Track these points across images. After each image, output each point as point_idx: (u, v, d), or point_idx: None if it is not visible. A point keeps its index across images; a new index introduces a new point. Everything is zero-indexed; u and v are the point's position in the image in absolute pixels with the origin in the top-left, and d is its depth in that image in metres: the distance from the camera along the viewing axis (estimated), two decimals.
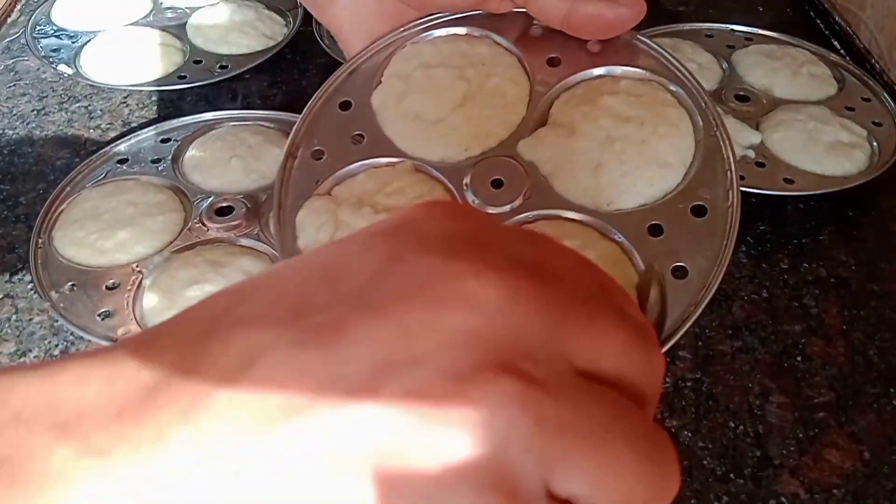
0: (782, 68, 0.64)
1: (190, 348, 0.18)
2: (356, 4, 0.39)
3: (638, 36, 0.38)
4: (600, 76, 0.38)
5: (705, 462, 0.42)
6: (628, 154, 0.36)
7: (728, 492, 0.41)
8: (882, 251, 0.54)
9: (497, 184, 0.35)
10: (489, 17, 0.39)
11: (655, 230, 0.34)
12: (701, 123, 0.37)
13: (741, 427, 0.44)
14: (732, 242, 0.34)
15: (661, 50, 0.38)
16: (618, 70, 0.38)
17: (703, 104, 0.37)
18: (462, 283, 0.18)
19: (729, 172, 0.36)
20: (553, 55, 0.38)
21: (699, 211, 0.34)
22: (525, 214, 0.35)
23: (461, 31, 0.39)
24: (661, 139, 0.37)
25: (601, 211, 0.35)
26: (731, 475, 0.41)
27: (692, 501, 0.40)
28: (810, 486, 0.41)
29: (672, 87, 0.38)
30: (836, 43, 0.72)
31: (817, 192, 0.54)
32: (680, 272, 0.33)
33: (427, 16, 0.39)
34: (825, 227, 0.55)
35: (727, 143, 0.36)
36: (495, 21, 0.39)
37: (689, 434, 0.43)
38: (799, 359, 0.47)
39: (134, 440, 0.17)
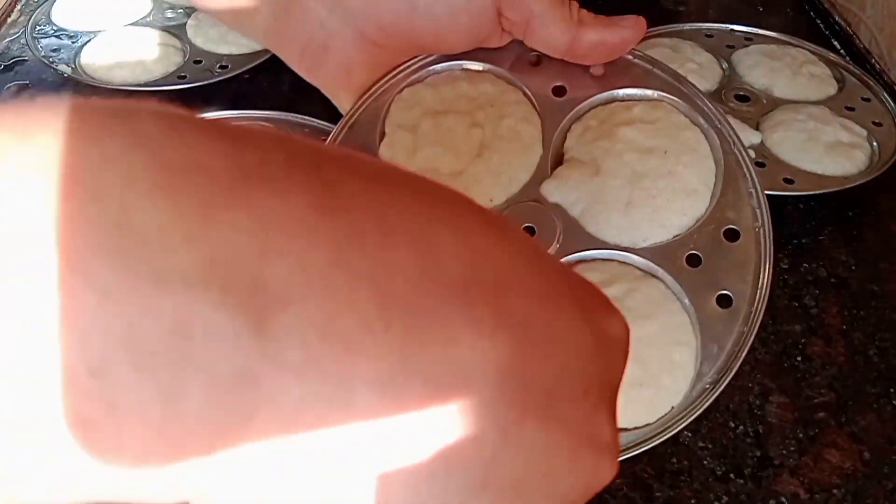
0: (782, 68, 0.64)
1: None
2: (346, 59, 0.37)
3: (637, 52, 0.38)
4: (610, 102, 0.38)
5: (705, 462, 0.42)
6: (658, 188, 0.36)
7: (728, 492, 0.41)
8: (882, 251, 0.54)
9: (528, 231, 0.34)
10: (483, 49, 0.38)
11: (693, 260, 0.34)
12: (717, 141, 0.37)
13: (741, 427, 0.44)
14: (770, 265, 0.34)
15: (663, 66, 0.38)
16: (627, 93, 0.38)
17: (718, 122, 0.37)
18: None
19: (754, 191, 0.36)
20: (558, 84, 0.37)
21: (732, 235, 0.35)
22: (565, 259, 0.34)
23: (457, 65, 0.38)
24: (685, 167, 0.36)
25: (638, 248, 0.35)
26: (731, 475, 0.41)
27: (692, 501, 0.40)
28: (810, 486, 0.41)
29: (683, 107, 0.38)
30: (836, 43, 0.72)
31: (817, 192, 0.54)
32: (724, 301, 0.33)
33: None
34: (825, 227, 0.55)
35: (746, 160, 0.36)
36: (489, 52, 0.38)
37: (689, 434, 0.43)
38: (799, 359, 0.47)
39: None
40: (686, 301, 0.34)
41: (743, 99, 0.62)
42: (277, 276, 0.15)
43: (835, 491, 0.41)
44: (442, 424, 0.16)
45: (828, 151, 0.56)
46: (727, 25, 0.71)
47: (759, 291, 0.33)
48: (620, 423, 0.30)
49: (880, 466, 0.42)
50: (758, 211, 0.35)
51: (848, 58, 0.69)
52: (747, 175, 0.36)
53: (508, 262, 0.19)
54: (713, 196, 0.36)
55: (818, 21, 0.75)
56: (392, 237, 0.17)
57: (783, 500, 0.40)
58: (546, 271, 0.20)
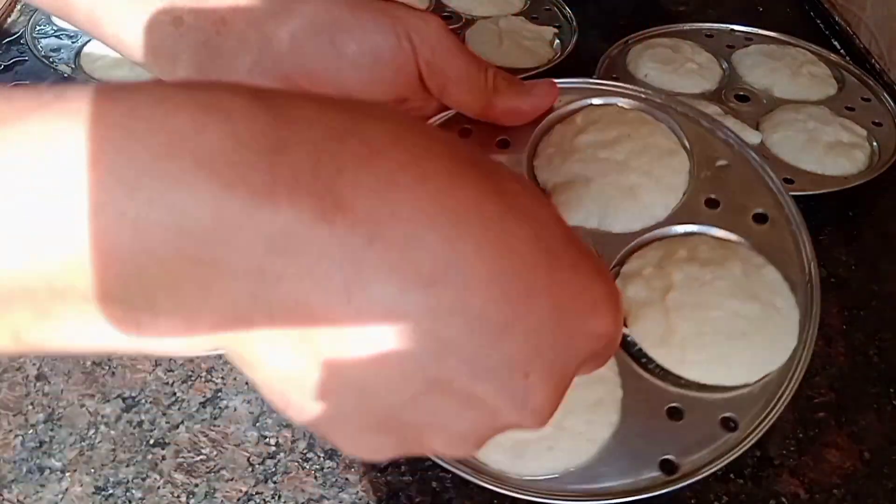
0: (782, 68, 0.64)
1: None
2: None
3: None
4: (550, 128, 0.41)
5: None
6: (647, 162, 0.39)
7: (728, 492, 0.41)
8: (882, 251, 0.54)
9: None
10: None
11: (713, 203, 0.38)
12: (654, 110, 0.41)
13: None
14: (774, 176, 0.38)
15: (572, 80, 0.42)
16: (559, 113, 0.41)
17: (642, 94, 0.41)
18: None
19: (721, 131, 0.40)
20: (500, 138, 0.40)
21: (724, 168, 0.39)
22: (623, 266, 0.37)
23: None
24: (651, 135, 0.40)
25: (664, 219, 0.38)
26: (731, 475, 0.41)
27: (692, 501, 0.40)
28: (810, 486, 0.41)
29: (611, 100, 0.42)
30: (836, 43, 0.72)
31: (817, 192, 0.54)
32: (760, 219, 0.37)
33: None
34: (825, 227, 0.55)
35: (691, 110, 0.41)
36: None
37: None
38: None
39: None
40: (735, 234, 0.38)
41: (743, 99, 0.62)
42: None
43: (835, 491, 0.41)
44: (373, 352, 0.21)
45: (828, 151, 0.56)
46: (727, 25, 0.71)
47: (785, 206, 0.37)
48: (770, 368, 0.34)
49: (880, 466, 0.42)
50: (731, 140, 0.39)
51: (848, 58, 0.69)
52: (702, 122, 0.40)
53: (496, 256, 0.22)
54: (687, 149, 0.40)
55: (818, 21, 0.75)
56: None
57: (783, 500, 0.40)
58: (529, 267, 0.22)
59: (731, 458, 0.32)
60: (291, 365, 0.21)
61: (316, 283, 0.20)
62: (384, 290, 0.20)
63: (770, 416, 0.33)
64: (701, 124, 0.40)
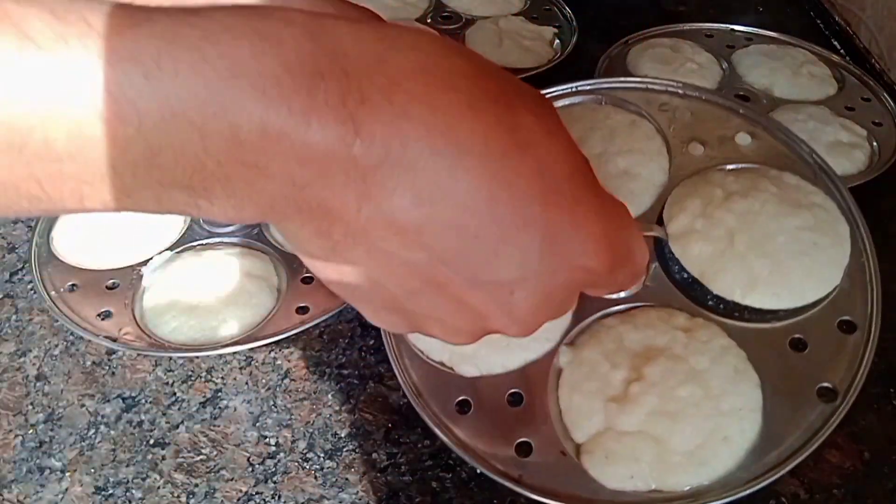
0: (782, 68, 0.64)
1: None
2: None
3: None
4: None
5: None
6: (622, 141, 0.41)
7: None
8: (882, 251, 0.54)
9: None
10: None
11: (699, 147, 0.41)
12: (594, 97, 0.44)
13: None
14: (756, 112, 0.42)
15: None
16: None
17: (588, 87, 0.44)
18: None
19: (669, 88, 0.44)
20: None
21: (686, 116, 0.43)
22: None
23: None
24: (608, 117, 0.42)
25: (678, 174, 0.41)
26: None
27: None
28: (810, 486, 0.41)
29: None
30: (836, 43, 0.72)
31: None
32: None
33: None
34: None
35: (633, 83, 0.44)
36: None
37: None
38: None
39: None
40: (738, 163, 0.40)
41: (743, 99, 0.62)
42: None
43: (835, 491, 0.41)
44: (376, 252, 0.25)
45: (828, 151, 0.56)
46: (727, 25, 0.71)
47: (758, 121, 0.40)
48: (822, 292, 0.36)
49: (880, 466, 0.42)
50: (672, 89, 0.43)
51: (848, 58, 0.69)
52: (640, 85, 0.44)
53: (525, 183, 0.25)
54: (645, 115, 0.43)
55: (818, 21, 0.75)
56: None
57: (783, 500, 0.40)
58: (525, 200, 0.25)
59: (873, 350, 0.34)
60: (316, 248, 0.26)
61: (334, 194, 0.24)
62: (387, 206, 0.24)
63: (875, 297, 0.35)
64: (639, 89, 0.43)
